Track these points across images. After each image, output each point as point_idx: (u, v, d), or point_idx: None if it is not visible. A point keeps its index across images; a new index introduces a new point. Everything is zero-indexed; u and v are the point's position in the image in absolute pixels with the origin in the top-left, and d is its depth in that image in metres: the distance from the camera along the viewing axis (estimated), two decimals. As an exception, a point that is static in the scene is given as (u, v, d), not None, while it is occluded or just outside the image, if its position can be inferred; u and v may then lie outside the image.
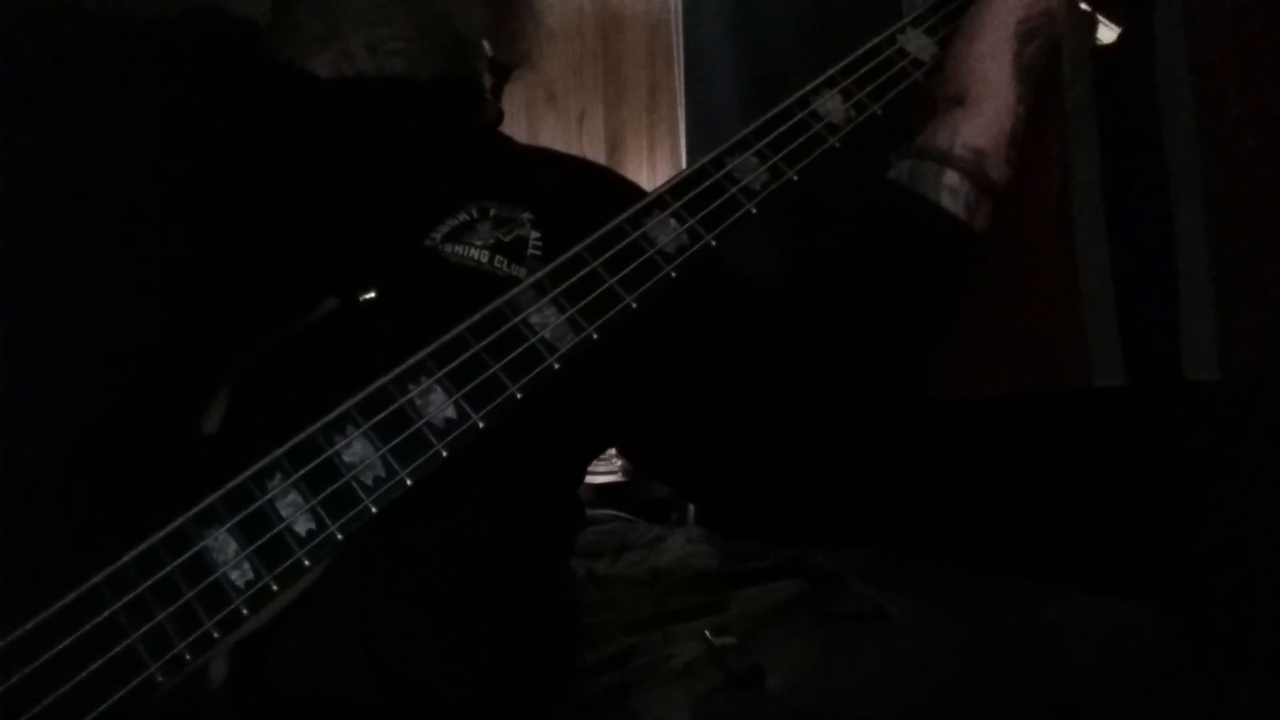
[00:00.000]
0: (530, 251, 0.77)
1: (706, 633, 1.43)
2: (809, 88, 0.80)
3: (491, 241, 0.77)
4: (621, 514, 2.46)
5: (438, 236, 0.75)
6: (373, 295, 0.67)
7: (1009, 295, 1.75)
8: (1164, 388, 1.57)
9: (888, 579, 1.67)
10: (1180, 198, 1.51)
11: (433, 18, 0.78)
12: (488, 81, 0.85)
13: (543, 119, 3.06)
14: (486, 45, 0.83)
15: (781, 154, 0.76)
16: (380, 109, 0.78)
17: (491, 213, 0.78)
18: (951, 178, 0.79)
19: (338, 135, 0.76)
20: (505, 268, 0.76)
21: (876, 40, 0.84)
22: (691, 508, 2.68)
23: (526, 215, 0.79)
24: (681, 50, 2.86)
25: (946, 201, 0.80)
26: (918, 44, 0.84)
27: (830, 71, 0.81)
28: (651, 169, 3.25)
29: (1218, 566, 1.51)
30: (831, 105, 0.79)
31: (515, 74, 0.88)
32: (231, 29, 0.76)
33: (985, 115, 0.80)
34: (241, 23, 0.76)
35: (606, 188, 0.93)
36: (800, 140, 0.77)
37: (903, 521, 1.90)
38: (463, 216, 0.77)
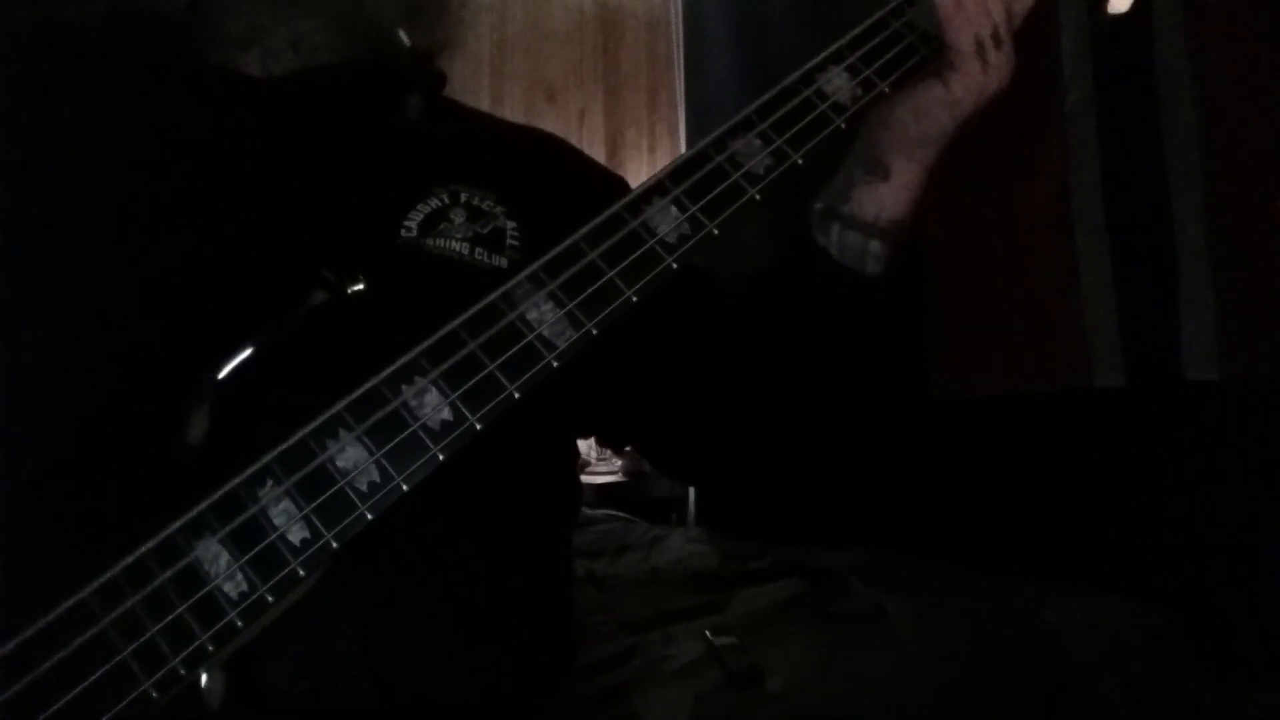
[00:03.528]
0: (509, 242, 0.77)
1: (706, 633, 1.43)
2: (813, 64, 0.75)
3: (470, 235, 0.76)
4: (621, 514, 2.46)
5: (413, 227, 0.75)
6: (361, 287, 0.65)
7: (1009, 295, 1.75)
8: (1164, 388, 1.57)
9: (888, 579, 1.67)
10: (1180, 198, 1.51)
11: (343, 10, 0.76)
12: (408, 69, 0.82)
13: (543, 119, 3.07)
14: (403, 35, 0.81)
15: (786, 136, 0.72)
16: (318, 103, 0.77)
17: (462, 198, 0.77)
18: (875, 247, 0.80)
19: (287, 135, 0.76)
20: (487, 259, 0.75)
21: (883, 12, 0.79)
22: (692, 508, 2.68)
23: (499, 208, 0.78)
24: (681, 50, 2.86)
25: (871, 268, 0.80)
26: (929, 16, 0.79)
27: (835, 46, 0.76)
28: (651, 169, 3.24)
29: (1217, 566, 1.50)
30: (838, 83, 0.75)
31: (443, 55, 0.86)
32: (161, 29, 0.74)
33: (907, 188, 0.80)
34: (168, 22, 0.75)
35: (566, 163, 0.93)
36: (805, 121, 0.73)
37: (903, 521, 1.91)
38: (434, 202, 0.76)
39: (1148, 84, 1.54)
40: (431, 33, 0.83)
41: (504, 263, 0.75)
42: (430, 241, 0.74)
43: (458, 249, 0.74)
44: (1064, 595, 1.48)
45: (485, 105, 0.97)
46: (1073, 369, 1.65)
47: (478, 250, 0.75)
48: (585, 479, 2.81)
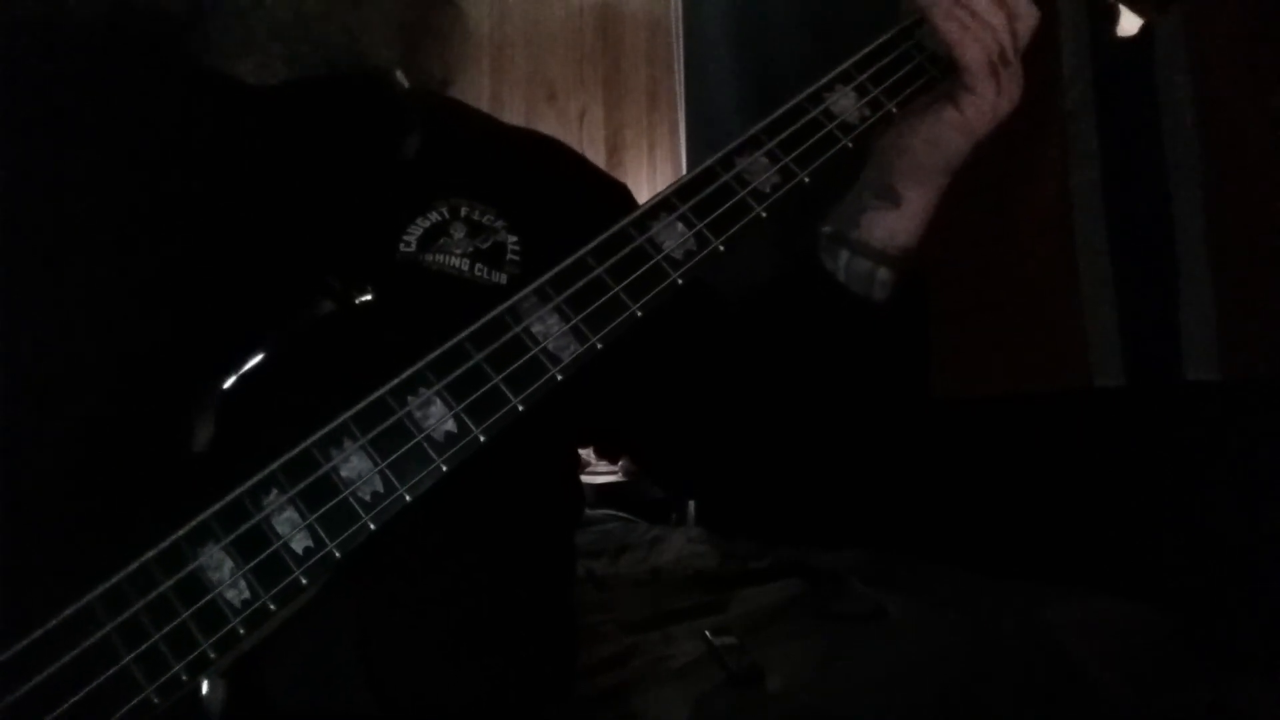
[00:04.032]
0: (509, 257, 0.77)
1: (706, 633, 1.43)
2: (821, 83, 0.75)
3: (470, 250, 0.75)
4: (621, 514, 2.46)
5: (412, 241, 0.74)
6: (369, 298, 0.65)
7: (1009, 296, 1.75)
8: (1164, 388, 1.57)
9: (888, 579, 1.67)
10: (1180, 198, 1.51)
11: (341, 50, 0.76)
12: (406, 109, 0.82)
13: (543, 119, 3.06)
14: (401, 76, 0.80)
15: (793, 155, 0.72)
16: (319, 110, 0.77)
17: (463, 212, 0.77)
18: (883, 274, 0.80)
19: (288, 139, 0.75)
20: (486, 275, 0.75)
21: (892, 33, 0.78)
22: (692, 508, 2.68)
23: (500, 221, 0.78)
24: (681, 50, 2.86)
25: (877, 294, 0.80)
26: (937, 37, 0.78)
27: (843, 66, 0.76)
28: (651, 169, 3.25)
29: (1217, 566, 1.51)
30: (845, 103, 0.74)
31: (446, 87, 0.86)
32: (162, 29, 0.74)
33: (918, 216, 0.80)
34: (169, 22, 0.74)
35: (568, 170, 0.93)
36: (812, 140, 0.72)
37: (903, 521, 1.91)
38: (434, 216, 0.76)
39: (1148, 84, 1.54)
40: (428, 73, 0.83)
41: (504, 279, 0.75)
42: (429, 257, 0.74)
43: (457, 265, 0.74)
44: (1064, 595, 1.48)
45: (485, 105, 0.97)
46: (1073, 369, 1.65)
47: (478, 266, 0.75)
48: (585, 479, 2.81)
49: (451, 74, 0.85)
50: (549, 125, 3.04)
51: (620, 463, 2.93)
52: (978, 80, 0.75)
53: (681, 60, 2.86)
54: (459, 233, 0.76)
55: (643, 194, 0.72)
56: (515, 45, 3.11)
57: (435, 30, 0.83)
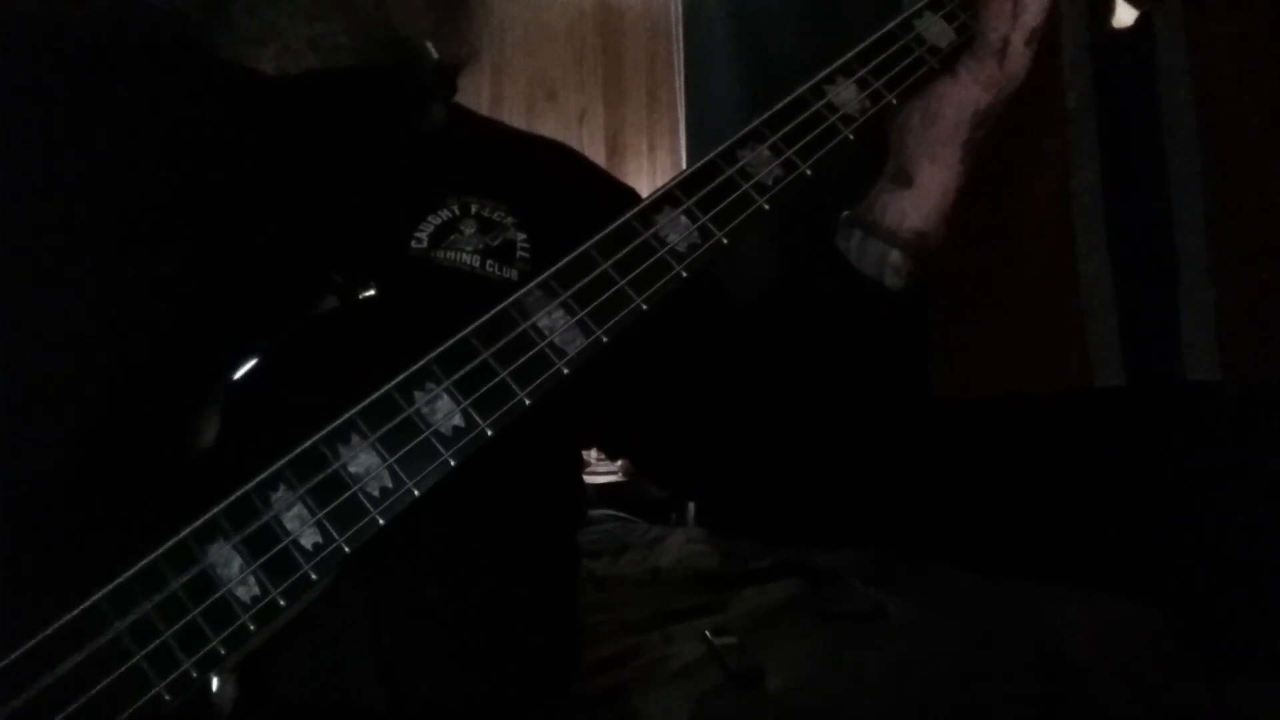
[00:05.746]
0: (519, 254, 0.77)
1: (706, 633, 1.43)
2: (822, 75, 0.77)
3: (481, 247, 0.76)
4: (621, 514, 2.46)
5: (424, 238, 0.75)
6: (372, 293, 0.66)
7: (1010, 296, 1.75)
8: (1164, 388, 1.57)
9: (888, 579, 1.67)
10: (1180, 198, 1.51)
11: (372, 18, 0.76)
12: (434, 82, 0.82)
13: (543, 119, 3.07)
14: (430, 47, 0.80)
15: (795, 148, 0.73)
16: (335, 104, 0.77)
17: (473, 209, 0.78)
18: (895, 257, 0.80)
19: (298, 135, 0.75)
20: (498, 271, 0.76)
21: (891, 25, 0.80)
22: (692, 508, 2.68)
23: (510, 219, 0.79)
24: (681, 50, 2.86)
25: (889, 279, 0.81)
26: (935, 29, 0.80)
27: (844, 59, 0.78)
28: (651, 169, 3.25)
29: (1218, 566, 1.51)
30: (847, 95, 0.76)
31: (465, 70, 0.87)
32: (167, 24, 0.74)
33: (932, 198, 0.80)
34: (175, 17, 0.74)
35: (578, 174, 0.93)
36: (815, 133, 0.74)
37: (903, 521, 1.91)
38: (444, 214, 0.77)
39: (1148, 84, 1.54)
40: (458, 46, 0.83)
41: (515, 275, 0.76)
42: (440, 253, 0.74)
43: (468, 261, 0.75)
44: (1064, 595, 1.48)
45: (485, 105, 0.97)
46: (1073, 369, 1.65)
47: (489, 263, 0.75)
48: (585, 479, 2.81)
49: (478, 50, 0.85)
50: (549, 125, 3.04)
51: (620, 462, 2.93)
52: (985, 53, 0.78)
53: (681, 60, 2.87)
54: (469, 229, 0.76)
55: (643, 194, 0.72)
56: (515, 45, 3.11)
57: (464, 3, 0.83)
